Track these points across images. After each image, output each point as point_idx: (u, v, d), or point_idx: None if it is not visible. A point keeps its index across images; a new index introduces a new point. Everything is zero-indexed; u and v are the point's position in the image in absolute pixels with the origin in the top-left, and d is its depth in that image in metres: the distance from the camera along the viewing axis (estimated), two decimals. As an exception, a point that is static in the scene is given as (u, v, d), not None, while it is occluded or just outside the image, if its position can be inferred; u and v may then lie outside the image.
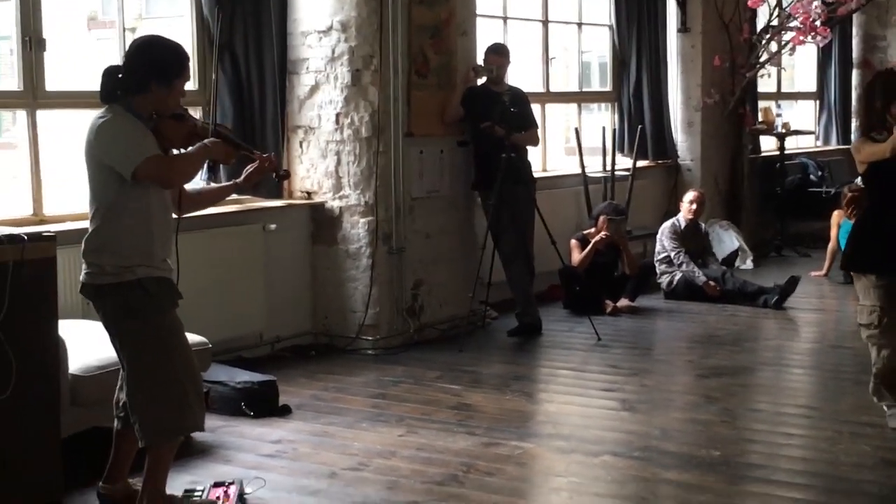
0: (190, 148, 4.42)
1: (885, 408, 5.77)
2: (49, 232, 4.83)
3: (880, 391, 5.78)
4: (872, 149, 5.55)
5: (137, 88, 4.32)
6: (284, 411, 6.14)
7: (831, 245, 10.36)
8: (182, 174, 4.42)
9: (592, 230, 9.18)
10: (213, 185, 5.15)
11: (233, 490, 4.73)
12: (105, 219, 4.32)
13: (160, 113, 4.39)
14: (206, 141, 4.44)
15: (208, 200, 4.87)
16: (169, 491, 4.66)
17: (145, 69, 4.32)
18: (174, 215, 4.56)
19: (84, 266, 4.40)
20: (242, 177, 4.72)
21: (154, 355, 4.37)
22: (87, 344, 5.22)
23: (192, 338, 5.61)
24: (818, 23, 10.98)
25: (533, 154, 9.01)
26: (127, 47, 4.59)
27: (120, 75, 4.36)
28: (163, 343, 4.38)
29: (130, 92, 4.33)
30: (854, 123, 13.71)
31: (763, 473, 5.12)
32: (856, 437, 5.58)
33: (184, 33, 7.39)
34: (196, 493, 4.71)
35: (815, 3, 11.00)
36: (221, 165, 5.13)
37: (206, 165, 4.71)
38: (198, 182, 4.73)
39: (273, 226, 7.40)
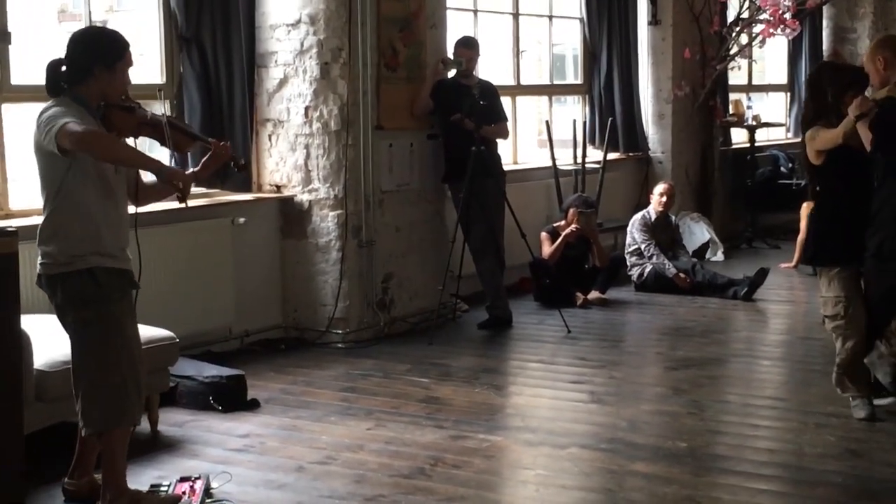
0: (141, 153, 4.43)
1: (850, 399, 5.82)
2: (11, 227, 4.81)
3: (843, 382, 5.82)
4: (827, 135, 5.60)
5: (81, 77, 4.36)
6: (253, 405, 6.13)
7: (801, 237, 10.40)
8: (106, 149, 4.28)
9: (563, 223, 9.19)
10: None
11: (199, 485, 4.71)
12: (52, 208, 4.36)
13: (108, 101, 4.42)
14: (166, 166, 4.43)
15: (162, 194, 4.81)
16: (135, 486, 4.66)
17: (86, 56, 4.37)
18: (131, 207, 4.57)
19: (39, 257, 4.42)
20: (200, 166, 4.69)
21: (98, 345, 4.40)
22: (53, 339, 5.18)
23: (160, 332, 5.65)
24: (787, 15, 11.04)
25: (504, 147, 9.02)
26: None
27: (63, 67, 4.39)
28: (107, 334, 4.40)
29: (75, 82, 4.36)
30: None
31: (729, 464, 5.15)
32: (821, 428, 5.62)
33: (151, 26, 7.37)
34: (162, 488, 4.70)
35: (784, -4, 11.06)
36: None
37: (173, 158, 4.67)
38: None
39: (242, 219, 7.38)
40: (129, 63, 4.46)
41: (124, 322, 4.46)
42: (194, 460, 5.24)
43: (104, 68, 4.36)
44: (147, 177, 4.73)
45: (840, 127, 5.49)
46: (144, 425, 5.62)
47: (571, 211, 9.14)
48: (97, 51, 4.38)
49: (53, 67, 4.41)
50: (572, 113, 11.09)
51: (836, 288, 5.73)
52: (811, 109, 5.86)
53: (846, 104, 5.50)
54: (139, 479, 4.85)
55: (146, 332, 5.57)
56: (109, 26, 10.65)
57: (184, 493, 4.66)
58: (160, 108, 4.74)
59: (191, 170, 4.83)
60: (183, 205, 4.39)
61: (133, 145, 4.51)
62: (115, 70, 4.39)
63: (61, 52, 4.46)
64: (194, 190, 7.21)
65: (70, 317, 4.43)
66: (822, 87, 5.74)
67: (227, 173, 7.22)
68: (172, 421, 5.83)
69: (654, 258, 9.52)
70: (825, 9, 14.07)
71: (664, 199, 9.79)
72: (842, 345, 5.77)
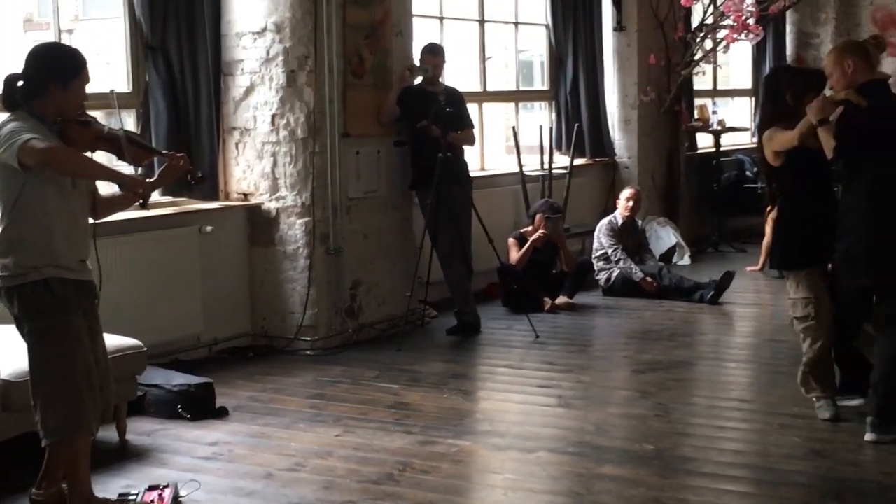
0: (104, 166, 4.44)
1: (814, 399, 5.88)
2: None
3: (809, 382, 5.88)
4: (784, 137, 5.67)
5: (36, 92, 4.38)
6: (221, 413, 6.13)
7: (766, 240, 10.48)
8: (70, 164, 4.33)
9: (530, 228, 9.24)
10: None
11: (167, 493, 4.72)
12: (10, 220, 4.36)
13: (63, 116, 4.43)
14: (130, 176, 4.47)
15: (122, 203, 4.82)
16: (104, 495, 4.66)
17: (42, 73, 4.38)
18: (91, 219, 4.59)
19: None
20: (156, 176, 4.69)
21: (53, 355, 4.41)
22: (17, 349, 5.16)
23: (127, 341, 5.65)
24: (751, 21, 11.14)
25: (471, 153, 9.06)
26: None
27: (20, 83, 4.41)
28: (62, 344, 4.40)
29: (31, 97, 4.38)
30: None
31: (695, 466, 5.19)
32: (786, 429, 5.68)
33: (117, 34, 7.37)
34: (130, 497, 4.70)
35: (748, 2, 11.16)
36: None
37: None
38: (112, 187, 4.69)
39: (209, 228, 7.37)
40: (86, 80, 4.47)
41: (80, 332, 4.46)
42: (163, 469, 5.24)
43: (60, 86, 4.38)
44: (105, 189, 4.75)
45: (797, 128, 5.55)
46: (112, 434, 5.64)
47: (538, 216, 9.19)
48: (53, 68, 4.40)
49: (10, 82, 4.43)
50: (539, 119, 11.15)
51: (804, 289, 5.79)
52: (767, 112, 5.93)
53: (805, 105, 5.56)
54: (107, 489, 4.85)
55: (113, 340, 5.58)
56: (75, 35, 10.62)
57: (152, 501, 4.67)
58: (116, 116, 4.74)
59: (149, 179, 4.82)
60: (146, 210, 4.42)
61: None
62: (70, 88, 4.40)
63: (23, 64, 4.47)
64: (161, 199, 7.32)
65: (26, 327, 4.45)
66: (780, 90, 5.80)
67: (189, 185, 7.23)
68: (141, 430, 5.82)
69: (621, 263, 9.58)
70: (788, 14, 14.19)
71: (631, 203, 9.85)
72: (810, 345, 5.82)
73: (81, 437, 4.50)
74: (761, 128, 5.92)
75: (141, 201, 4.46)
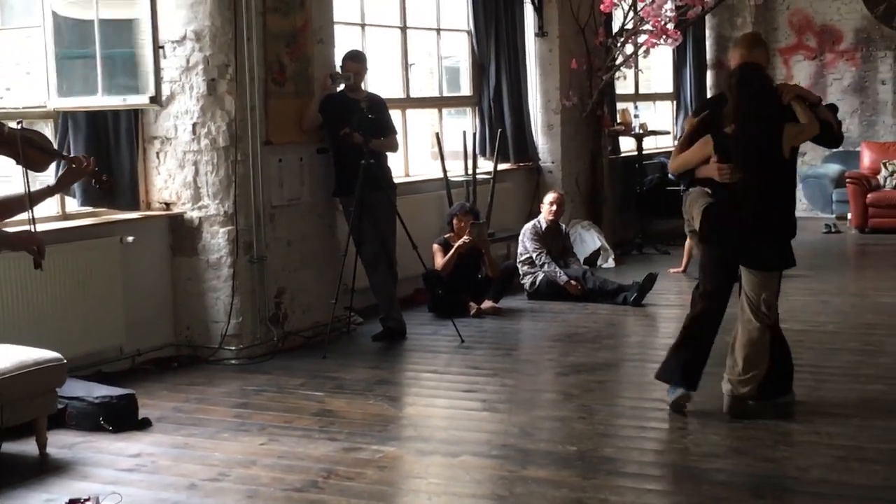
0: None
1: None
2: None
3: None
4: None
5: None
6: (144, 425, 6.08)
7: (688, 242, 10.62)
8: None
9: (452, 234, 9.29)
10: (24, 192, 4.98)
11: (88, 506, 4.68)
12: None
13: None
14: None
15: (21, 207, 4.73)
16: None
17: None
18: None
19: None
20: (56, 180, 4.62)
21: None
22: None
23: (46, 353, 5.59)
24: (670, 26, 11.30)
25: (395, 159, 9.08)
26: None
27: None
28: None
29: None
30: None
31: (617, 466, 5.26)
32: (706, 428, 5.76)
33: (39, 44, 7.29)
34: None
35: (666, 7, 11.31)
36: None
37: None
38: (10, 190, 4.62)
39: (130, 238, 7.31)
40: None
41: None
42: (84, 482, 5.19)
43: None
44: None
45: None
46: (32, 448, 5.57)
47: (456, 220, 9.25)
48: None
49: None
50: (463, 125, 11.20)
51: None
52: (775, 108, 5.83)
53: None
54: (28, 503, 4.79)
55: (32, 353, 5.54)
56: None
57: (73, 515, 4.62)
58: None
59: (46, 185, 4.74)
60: (39, 269, 4.37)
61: None
62: None
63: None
64: (81, 209, 7.21)
65: None
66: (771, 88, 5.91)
67: (115, 192, 7.21)
68: (61, 443, 5.76)
69: (546, 266, 9.66)
70: (707, 19, 14.42)
71: (554, 208, 9.93)
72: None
73: None
74: (771, 124, 5.78)
75: (35, 260, 4.39)
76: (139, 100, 7.10)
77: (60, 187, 4.66)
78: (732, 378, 5.91)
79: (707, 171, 5.84)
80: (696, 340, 6.02)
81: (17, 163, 4.50)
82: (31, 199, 4.70)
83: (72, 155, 4.74)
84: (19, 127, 4.51)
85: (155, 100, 7.03)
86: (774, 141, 5.71)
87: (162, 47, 7.31)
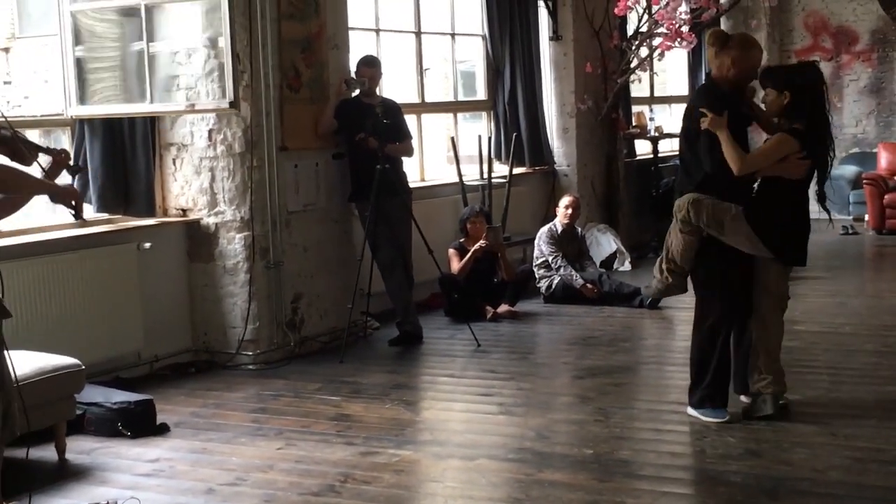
0: (39, 179, 4.39)
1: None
2: None
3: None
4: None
5: None
6: (162, 430, 6.11)
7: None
8: (19, 181, 4.30)
9: (466, 238, 9.30)
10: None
11: (107, 511, 4.71)
12: None
13: None
14: (60, 185, 4.43)
15: (9, 207, 4.74)
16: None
17: None
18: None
19: None
20: (40, 175, 4.63)
21: None
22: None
23: (65, 360, 5.63)
24: (684, 28, 11.29)
25: (411, 164, 9.10)
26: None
27: None
28: None
29: None
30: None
31: (633, 469, 5.26)
32: (722, 430, 5.75)
33: (56, 52, 7.35)
34: (70, 516, 4.68)
35: (680, 10, 11.31)
36: None
37: None
38: None
39: (148, 244, 7.35)
40: None
41: None
42: (103, 487, 5.22)
43: None
44: None
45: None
46: (51, 454, 5.61)
47: (470, 224, 9.26)
48: None
49: None
50: (479, 129, 11.22)
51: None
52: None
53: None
54: (46, 509, 4.83)
55: (51, 360, 5.58)
56: (12, 53, 10.50)
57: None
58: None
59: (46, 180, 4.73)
60: (80, 220, 4.39)
61: None
62: None
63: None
64: (98, 216, 7.27)
65: None
66: None
67: (128, 197, 7.26)
68: (80, 449, 5.79)
69: (562, 270, 9.67)
70: (722, 21, 14.38)
71: (569, 211, 9.94)
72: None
73: None
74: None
75: (74, 211, 4.43)
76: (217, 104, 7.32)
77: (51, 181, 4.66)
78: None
79: (779, 168, 5.77)
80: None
81: (12, 160, 4.51)
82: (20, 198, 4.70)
83: (52, 148, 4.73)
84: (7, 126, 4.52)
85: (234, 105, 7.11)
86: None
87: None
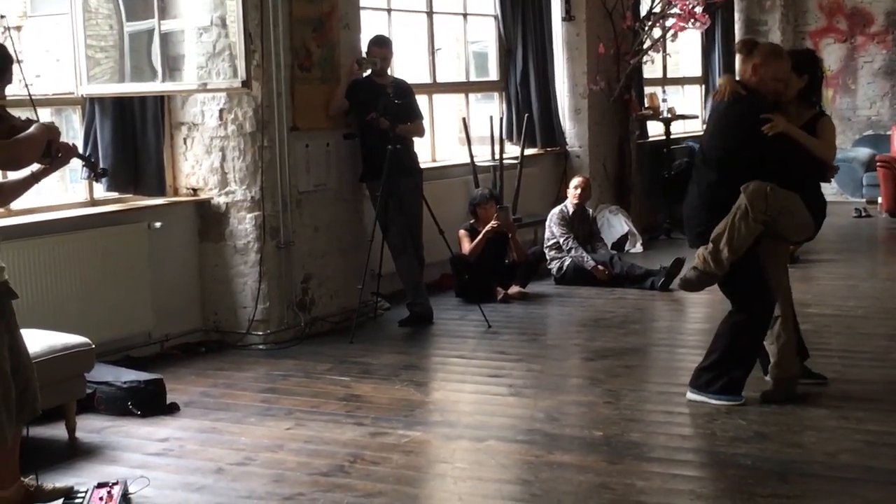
0: (29, 130, 4.34)
1: None
2: None
3: None
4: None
5: None
6: (172, 409, 6.12)
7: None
8: (24, 156, 4.31)
9: (475, 220, 9.28)
10: (13, 178, 4.91)
11: (116, 490, 4.70)
12: None
13: None
14: (45, 122, 4.40)
15: (16, 190, 4.73)
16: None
17: None
18: None
19: None
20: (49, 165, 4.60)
21: None
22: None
23: (75, 339, 5.64)
24: (698, 9, 11.23)
25: (422, 144, 9.07)
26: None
27: None
28: None
29: None
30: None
31: (643, 451, 5.24)
32: (733, 413, 5.73)
33: (67, 31, 7.34)
34: (79, 495, 4.68)
35: (694, -10, 11.26)
36: None
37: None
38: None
39: (158, 224, 7.35)
40: (9, 82, 4.37)
41: (1, 346, 4.34)
42: (112, 466, 5.23)
43: None
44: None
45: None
46: (61, 432, 5.62)
47: (481, 210, 9.23)
48: None
49: None
50: (490, 109, 11.18)
51: None
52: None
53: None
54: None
55: (61, 339, 5.58)
56: (24, 32, 10.47)
57: (101, 499, 4.65)
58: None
59: (31, 171, 4.70)
60: (98, 172, 4.39)
61: None
62: None
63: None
64: (108, 195, 7.27)
65: None
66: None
67: (138, 176, 7.26)
68: (90, 427, 5.81)
69: (573, 251, 9.64)
70: (736, 2, 14.34)
71: (579, 191, 9.91)
72: None
73: None
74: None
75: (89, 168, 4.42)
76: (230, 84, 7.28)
77: (53, 169, 4.65)
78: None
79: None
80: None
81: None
82: (26, 183, 4.68)
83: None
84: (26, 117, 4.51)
85: (246, 84, 7.09)
86: None
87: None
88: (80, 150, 4.77)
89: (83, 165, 5.07)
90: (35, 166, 4.55)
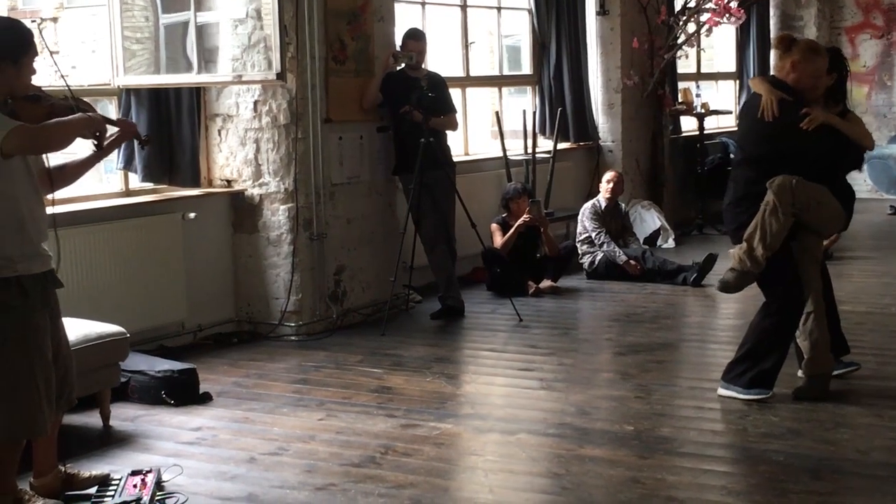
0: (71, 116, 4.34)
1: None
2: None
3: None
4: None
5: None
6: (205, 399, 6.17)
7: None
8: (54, 141, 4.30)
9: (507, 214, 9.28)
10: (75, 158, 4.83)
11: (150, 478, 4.75)
12: None
13: (14, 95, 4.28)
14: (89, 113, 4.42)
15: (76, 173, 4.70)
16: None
17: None
18: (48, 195, 4.48)
19: None
20: (105, 145, 4.61)
21: (14, 354, 4.26)
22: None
23: (110, 327, 5.68)
24: (733, 4, 11.18)
25: (455, 138, 9.08)
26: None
27: None
28: (25, 344, 4.27)
29: None
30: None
31: (674, 446, 5.24)
32: (764, 409, 5.72)
33: (104, 22, 7.39)
34: (113, 483, 4.73)
35: (729, -15, 11.21)
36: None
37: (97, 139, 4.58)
38: (62, 157, 4.62)
39: (192, 214, 7.40)
40: (35, 54, 4.32)
41: (44, 334, 4.34)
42: (146, 454, 5.28)
43: (11, 64, 4.22)
44: (55, 159, 4.63)
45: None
46: (96, 420, 5.68)
47: (514, 204, 9.22)
48: (2, 47, 4.23)
49: None
50: (523, 103, 11.18)
51: None
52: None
53: None
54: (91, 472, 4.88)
55: (96, 327, 5.64)
56: (60, 23, 10.53)
57: (135, 486, 4.69)
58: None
59: (93, 151, 4.70)
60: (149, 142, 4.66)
61: None
62: (21, 65, 4.25)
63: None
64: (143, 186, 7.32)
65: None
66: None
67: (173, 167, 7.31)
68: (124, 416, 5.86)
69: (605, 246, 9.63)
70: (770, -2, 14.26)
71: (611, 185, 9.89)
72: None
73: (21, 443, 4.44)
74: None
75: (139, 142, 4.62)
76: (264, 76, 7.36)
77: (109, 150, 4.65)
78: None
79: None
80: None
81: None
82: (86, 163, 4.70)
83: (116, 120, 4.75)
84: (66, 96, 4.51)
85: (280, 76, 7.13)
86: None
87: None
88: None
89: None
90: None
